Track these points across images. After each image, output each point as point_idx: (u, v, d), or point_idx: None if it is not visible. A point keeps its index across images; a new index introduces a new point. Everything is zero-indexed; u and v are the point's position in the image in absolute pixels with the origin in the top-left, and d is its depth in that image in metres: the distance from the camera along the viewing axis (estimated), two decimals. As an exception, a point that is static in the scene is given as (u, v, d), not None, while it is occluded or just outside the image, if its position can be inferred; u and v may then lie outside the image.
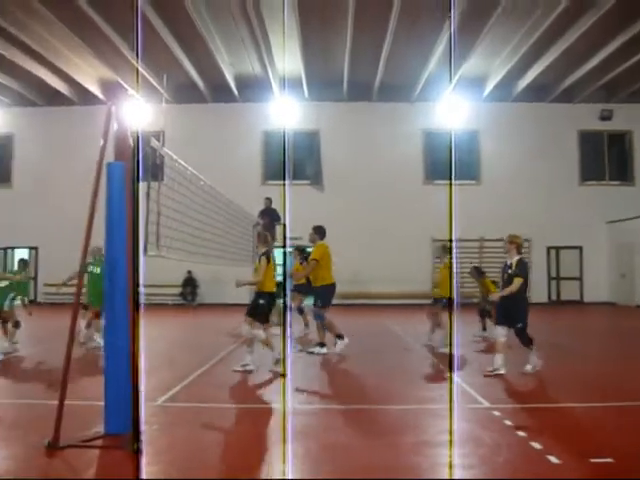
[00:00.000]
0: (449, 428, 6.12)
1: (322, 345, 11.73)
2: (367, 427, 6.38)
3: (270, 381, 9.01)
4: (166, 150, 7.29)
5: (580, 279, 26.73)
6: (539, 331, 13.01)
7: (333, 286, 11.91)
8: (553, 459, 5.09)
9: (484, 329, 14.38)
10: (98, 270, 12.08)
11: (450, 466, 5.05)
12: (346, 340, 11.63)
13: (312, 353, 11.60)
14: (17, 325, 11.75)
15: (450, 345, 11.53)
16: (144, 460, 5.14)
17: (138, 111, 23.97)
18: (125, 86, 23.60)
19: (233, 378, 9.20)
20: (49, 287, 24.28)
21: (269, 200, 18.95)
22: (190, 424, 6.50)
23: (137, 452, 5.27)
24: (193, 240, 9.33)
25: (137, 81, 23.55)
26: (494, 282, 14.35)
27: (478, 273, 14.96)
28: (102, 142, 5.83)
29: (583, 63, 22.14)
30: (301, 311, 15.33)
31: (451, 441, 5.71)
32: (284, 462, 5.18)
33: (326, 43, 21.35)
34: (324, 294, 11.83)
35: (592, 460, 5.09)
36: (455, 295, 13.38)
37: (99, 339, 11.96)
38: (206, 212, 10.57)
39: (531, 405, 7.42)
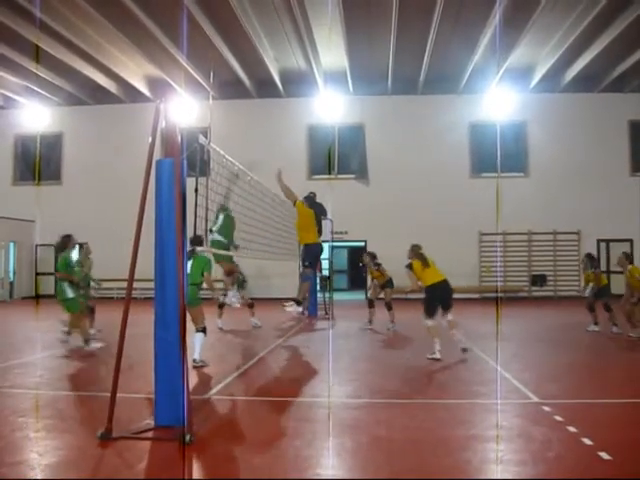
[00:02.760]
0: (497, 423, 6.09)
1: (298, 303, 11.53)
2: (417, 421, 6.36)
3: (319, 375, 9.05)
4: (213, 146, 7.36)
5: (631, 272, 26.19)
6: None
7: (315, 246, 11.90)
8: (605, 455, 5.01)
9: (596, 323, 13.88)
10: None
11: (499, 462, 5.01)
12: (300, 309, 11.58)
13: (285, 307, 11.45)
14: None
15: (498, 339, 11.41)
16: (194, 452, 5.21)
17: (185, 108, 24.28)
18: (172, 83, 23.92)
19: (281, 371, 9.27)
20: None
21: (313, 194, 19.01)
22: (239, 417, 6.58)
23: (188, 444, 5.35)
24: (240, 235, 9.39)
25: (183, 78, 23.78)
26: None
27: (592, 263, 14.19)
28: (150, 139, 5.91)
29: (633, 51, 21.62)
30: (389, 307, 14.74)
31: (498, 436, 5.66)
32: (330, 456, 5.20)
33: (370, 37, 21.25)
34: (307, 253, 11.85)
35: (646, 457, 5.00)
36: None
37: None
38: (253, 207, 10.64)
39: (582, 401, 7.29)
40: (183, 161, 6.00)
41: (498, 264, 24.70)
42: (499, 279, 24.75)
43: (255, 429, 6.07)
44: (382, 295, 14.73)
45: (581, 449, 5.26)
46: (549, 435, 5.69)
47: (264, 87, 25.68)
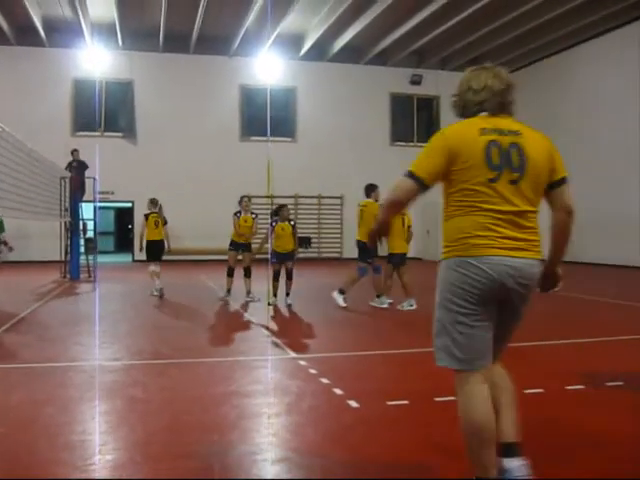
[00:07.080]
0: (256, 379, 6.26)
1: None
2: (175, 381, 6.35)
3: (78, 338, 8.72)
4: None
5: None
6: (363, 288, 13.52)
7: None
8: (353, 403, 5.34)
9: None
10: None
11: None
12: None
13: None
14: None
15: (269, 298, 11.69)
16: None
17: None
18: None
19: (35, 336, 8.82)
20: None
21: (76, 152, 18.19)
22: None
23: None
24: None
25: None
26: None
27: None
28: None
29: (397, 28, 22.93)
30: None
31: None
32: (83, 421, 5.06)
33: (141, -11, 20.55)
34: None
35: (389, 403, 5.39)
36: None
37: None
38: (5, 162, 9.94)
39: (335, 354, 7.72)
40: None
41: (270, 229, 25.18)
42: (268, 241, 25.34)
43: (2, 398, 5.71)
44: None
45: (332, 399, 5.57)
46: (304, 387, 5.96)
47: (24, 34, 23.68)
